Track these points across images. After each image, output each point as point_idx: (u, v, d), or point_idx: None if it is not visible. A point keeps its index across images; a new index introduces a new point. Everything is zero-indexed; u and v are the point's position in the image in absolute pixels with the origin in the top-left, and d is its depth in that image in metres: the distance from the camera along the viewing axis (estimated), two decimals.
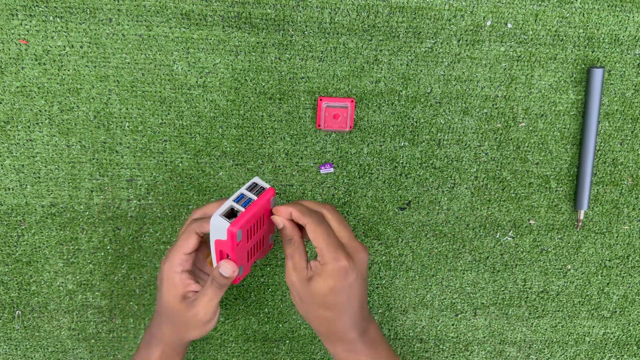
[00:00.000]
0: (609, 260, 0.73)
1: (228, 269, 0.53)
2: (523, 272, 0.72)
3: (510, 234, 0.71)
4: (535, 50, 0.64)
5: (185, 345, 0.60)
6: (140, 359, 0.60)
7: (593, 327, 0.75)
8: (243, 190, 0.54)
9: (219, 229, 0.51)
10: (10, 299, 0.69)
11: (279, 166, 0.66)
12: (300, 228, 0.55)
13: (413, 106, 0.65)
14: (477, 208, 0.69)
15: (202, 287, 0.56)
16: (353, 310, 0.54)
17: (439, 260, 0.71)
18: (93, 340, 0.71)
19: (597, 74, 0.63)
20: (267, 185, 0.55)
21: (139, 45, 0.61)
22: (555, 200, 0.70)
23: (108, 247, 0.68)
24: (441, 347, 0.75)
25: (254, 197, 0.54)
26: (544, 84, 0.65)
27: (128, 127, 0.64)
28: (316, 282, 0.52)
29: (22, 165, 0.64)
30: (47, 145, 0.64)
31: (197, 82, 0.63)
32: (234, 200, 0.53)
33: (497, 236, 0.71)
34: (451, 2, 0.62)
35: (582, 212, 0.68)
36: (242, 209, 0.52)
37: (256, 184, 0.55)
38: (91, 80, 0.62)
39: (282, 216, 0.54)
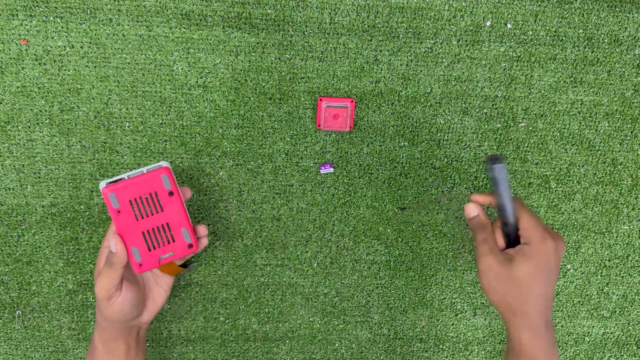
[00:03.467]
0: (609, 260, 0.73)
1: (112, 243, 0.53)
2: None
3: None
4: (535, 50, 0.64)
5: (120, 328, 0.57)
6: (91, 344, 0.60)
7: (593, 327, 0.75)
8: (143, 168, 0.54)
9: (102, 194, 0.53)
10: (11, 299, 0.69)
11: (279, 166, 0.66)
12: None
13: (413, 106, 0.65)
14: None
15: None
16: (547, 297, 0.52)
17: (439, 260, 0.71)
18: None
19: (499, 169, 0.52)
20: (165, 164, 0.54)
21: (139, 45, 0.61)
22: (555, 200, 0.70)
23: None
24: (441, 347, 0.75)
25: (144, 172, 0.54)
26: (544, 84, 0.65)
27: (128, 127, 0.64)
28: (519, 262, 0.51)
29: (23, 165, 0.64)
30: (48, 145, 0.64)
31: (197, 82, 0.63)
32: (128, 175, 0.53)
33: None
34: (451, 2, 0.62)
35: None
36: (126, 178, 0.53)
37: (160, 166, 0.54)
38: (91, 81, 0.62)
39: (480, 202, 0.56)
